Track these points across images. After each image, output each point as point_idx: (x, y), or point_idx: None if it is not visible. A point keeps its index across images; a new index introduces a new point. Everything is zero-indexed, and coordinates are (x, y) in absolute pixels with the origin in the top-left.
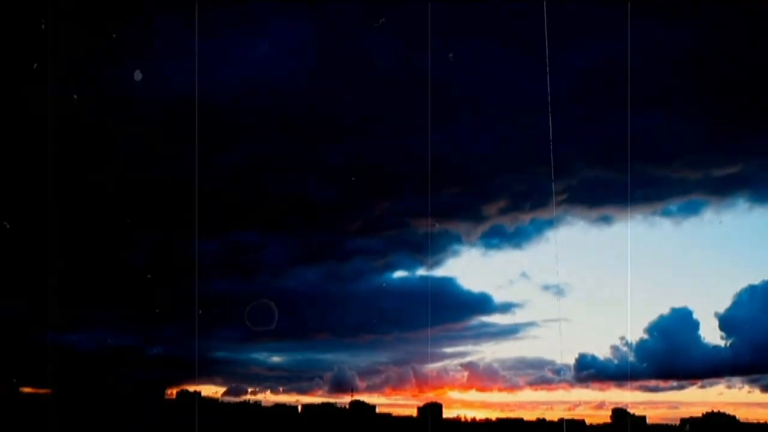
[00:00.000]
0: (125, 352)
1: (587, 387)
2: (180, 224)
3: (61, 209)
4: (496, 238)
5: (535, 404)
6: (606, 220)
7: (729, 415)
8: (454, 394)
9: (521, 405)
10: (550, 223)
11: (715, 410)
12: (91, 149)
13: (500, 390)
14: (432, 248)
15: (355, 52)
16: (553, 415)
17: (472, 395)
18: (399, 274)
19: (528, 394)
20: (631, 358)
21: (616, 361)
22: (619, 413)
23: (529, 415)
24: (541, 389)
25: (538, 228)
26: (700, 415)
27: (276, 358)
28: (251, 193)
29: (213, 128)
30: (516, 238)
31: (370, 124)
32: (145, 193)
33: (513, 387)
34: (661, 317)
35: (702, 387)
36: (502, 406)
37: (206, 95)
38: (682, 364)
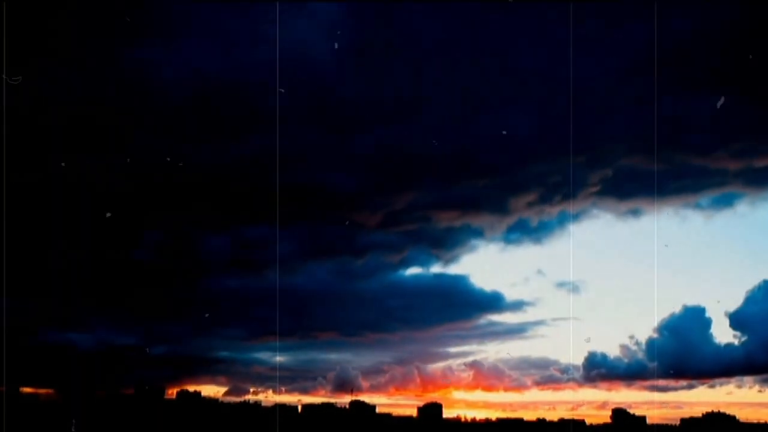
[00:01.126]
0: (126, 351)
1: (595, 387)
2: (188, 218)
3: (62, 201)
4: (517, 233)
5: (541, 404)
6: (635, 213)
7: (729, 415)
8: (459, 394)
9: (524, 405)
10: (576, 217)
11: (716, 410)
12: (95, 137)
13: (506, 390)
14: (450, 243)
15: (393, 35)
16: (554, 415)
17: (478, 395)
18: (413, 271)
19: (534, 394)
20: (641, 357)
21: (626, 361)
22: (619, 413)
23: (529, 415)
24: (548, 389)
25: (562, 222)
26: (700, 415)
27: (279, 358)
28: (266, 184)
29: (232, 114)
30: (537, 232)
31: (401, 111)
32: (153, 185)
33: (519, 387)
34: (673, 315)
35: (712, 386)
36: (506, 405)
37: (228, 79)
38: (692, 363)
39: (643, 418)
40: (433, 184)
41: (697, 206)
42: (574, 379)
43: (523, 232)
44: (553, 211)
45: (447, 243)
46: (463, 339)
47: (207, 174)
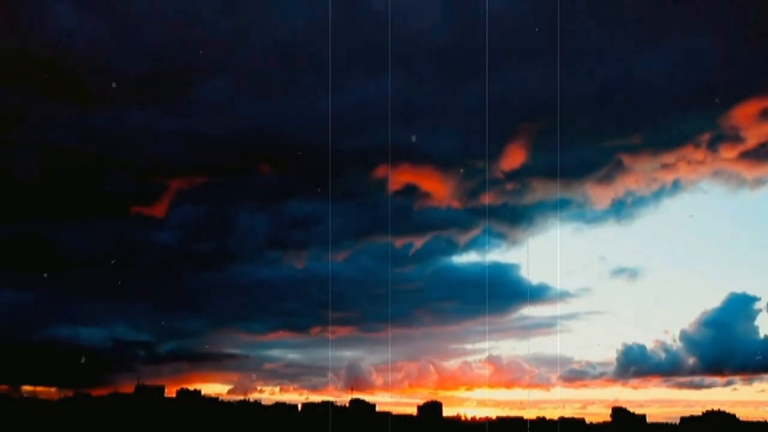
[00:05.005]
0: (135, 348)
1: (626, 384)
2: (227, 193)
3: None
4: (606, 210)
5: (562, 402)
6: (759, 183)
7: (729, 414)
8: (478, 391)
9: (535, 403)
10: (679, 190)
11: (715, 409)
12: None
13: (530, 386)
14: (525, 223)
15: None
16: (553, 414)
17: (495, 393)
18: (469, 258)
19: (558, 392)
20: (678, 350)
21: (662, 355)
22: (619, 412)
23: (528, 414)
24: (571, 386)
25: (658, 197)
26: (700, 413)
27: (292, 355)
28: (329, 148)
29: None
30: (628, 208)
31: (532, 51)
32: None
33: (543, 383)
34: (714, 308)
35: (749, 383)
36: (521, 403)
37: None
38: (732, 358)
39: (643, 416)
40: (550, 144)
41: None
42: (606, 375)
43: (614, 208)
44: (668, 179)
45: (522, 222)
46: (488, 334)
47: (263, 138)
